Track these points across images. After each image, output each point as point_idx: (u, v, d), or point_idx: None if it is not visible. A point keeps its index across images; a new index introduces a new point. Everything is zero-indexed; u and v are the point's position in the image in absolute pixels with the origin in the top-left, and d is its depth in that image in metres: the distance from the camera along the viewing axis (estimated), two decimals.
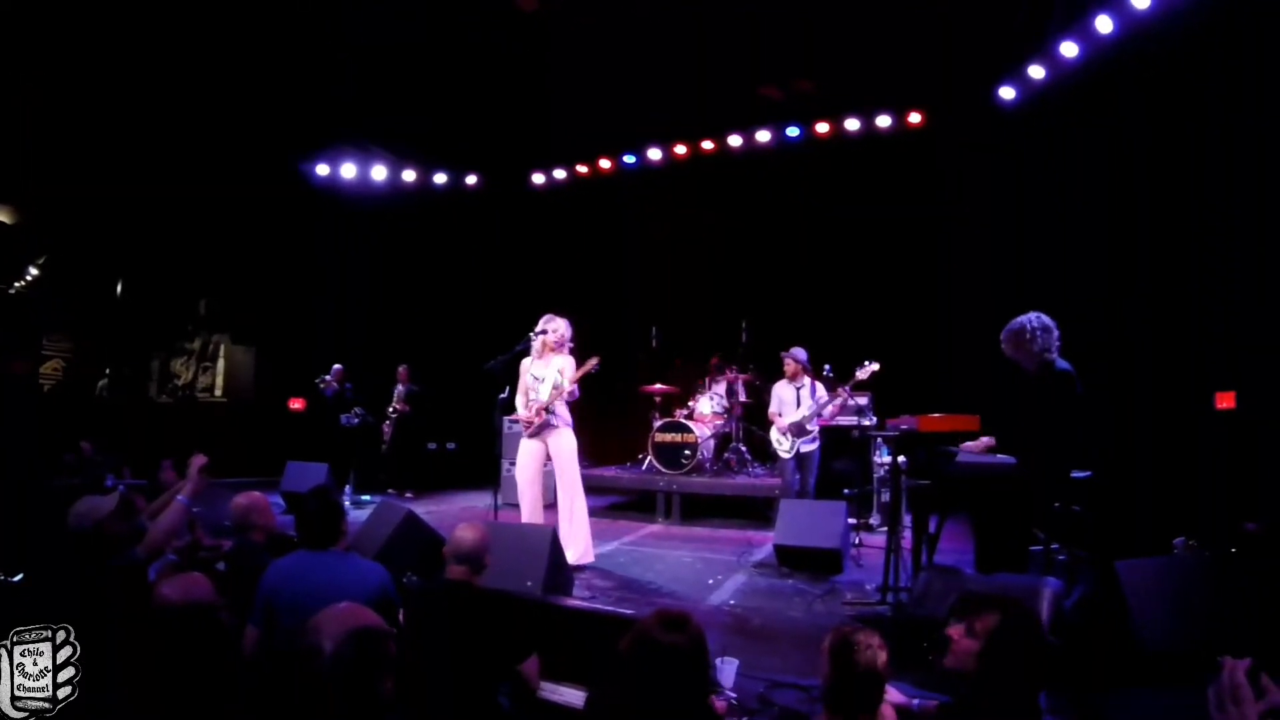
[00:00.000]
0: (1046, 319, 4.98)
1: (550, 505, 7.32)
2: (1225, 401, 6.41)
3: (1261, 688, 1.47)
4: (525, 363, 7.11)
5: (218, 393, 14.73)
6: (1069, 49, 8.39)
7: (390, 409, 11.50)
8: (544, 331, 6.99)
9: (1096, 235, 8.20)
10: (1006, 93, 9.58)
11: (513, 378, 7.14)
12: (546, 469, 7.16)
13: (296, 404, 12.15)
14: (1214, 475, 6.42)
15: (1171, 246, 7.27)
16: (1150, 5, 7.30)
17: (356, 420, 11.05)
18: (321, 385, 11.20)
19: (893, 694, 2.91)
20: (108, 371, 15.02)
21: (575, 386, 6.90)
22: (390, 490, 11.19)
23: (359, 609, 2.28)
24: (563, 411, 7.00)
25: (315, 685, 2.09)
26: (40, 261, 14.90)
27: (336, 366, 11.39)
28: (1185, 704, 2.87)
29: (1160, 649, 3.69)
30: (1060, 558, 5.42)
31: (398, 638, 3.57)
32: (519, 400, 7.09)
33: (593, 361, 6.94)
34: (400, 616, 3.66)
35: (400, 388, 11.61)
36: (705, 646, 2.41)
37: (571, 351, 7.09)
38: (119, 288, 14.37)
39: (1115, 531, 6.22)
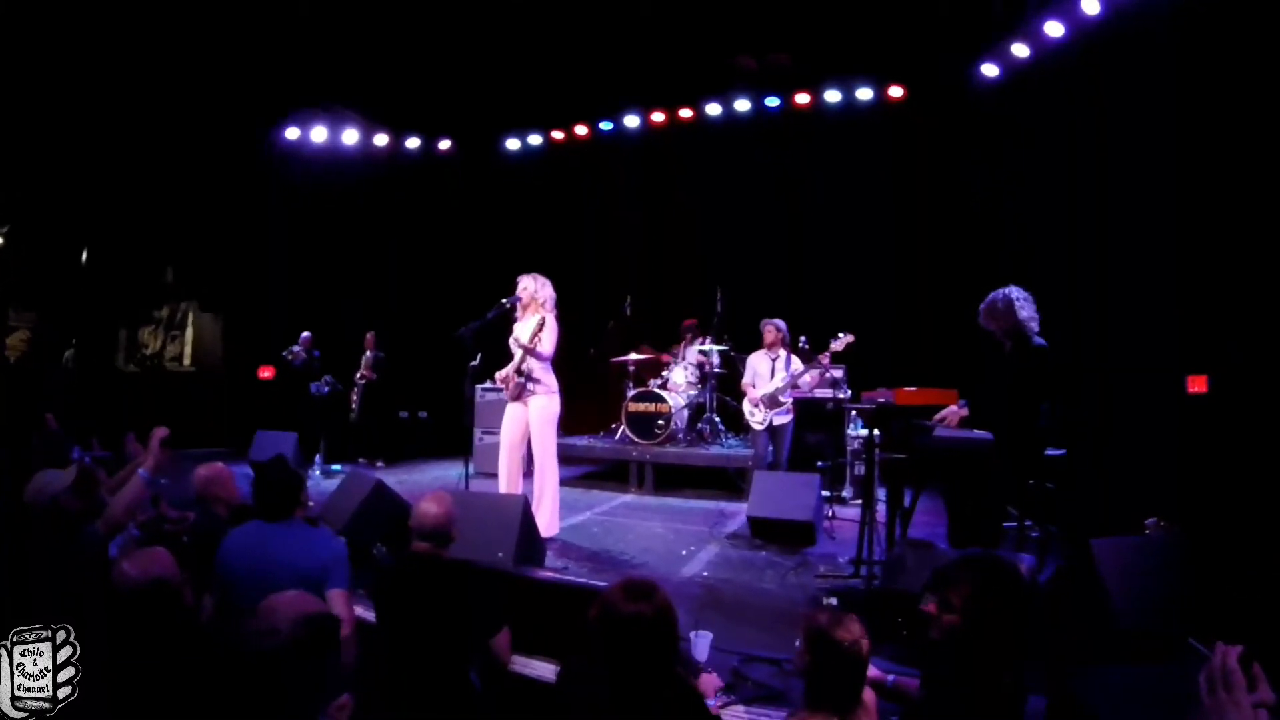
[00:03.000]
0: (1017, 291, 5.02)
1: (530, 474, 7.09)
2: (1197, 385, 6.46)
3: (1253, 676, 1.45)
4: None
5: (186, 362, 14.52)
6: (1053, 28, 8.32)
7: (358, 375, 11.36)
8: (518, 298, 6.87)
9: (1075, 214, 8.20)
10: (989, 70, 9.53)
11: (484, 345, 7.01)
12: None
13: (266, 373, 11.99)
14: (1187, 456, 6.47)
15: (1154, 231, 7.26)
16: None
17: (326, 389, 10.92)
18: (289, 356, 11.04)
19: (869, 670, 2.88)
20: (74, 342, 14.74)
21: (543, 345, 6.68)
22: (361, 460, 11.10)
23: (307, 596, 2.36)
24: (543, 376, 6.80)
25: (268, 665, 2.15)
26: (3, 231, 14.51)
27: (305, 334, 11.23)
28: (1154, 680, 2.89)
29: (1132, 626, 3.71)
30: (1033, 534, 5.45)
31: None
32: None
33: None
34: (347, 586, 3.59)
35: (368, 354, 11.46)
36: (673, 615, 2.38)
37: (557, 317, 6.91)
38: (84, 256, 14.03)
39: (1088, 509, 6.27)
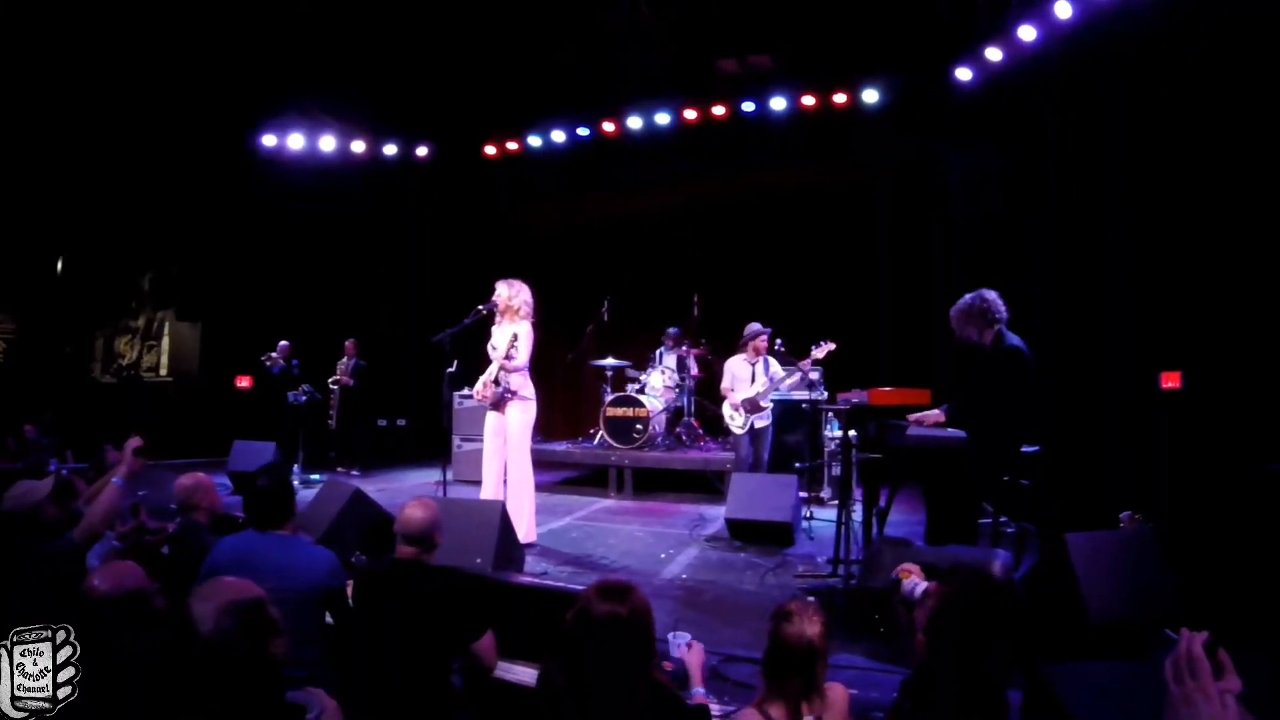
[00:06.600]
0: (988, 293, 5.03)
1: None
2: (1171, 381, 6.54)
3: (1219, 663, 1.46)
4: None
5: (163, 371, 14.40)
6: (1027, 33, 8.37)
7: (332, 380, 11.32)
8: (494, 304, 6.88)
9: (1050, 217, 8.28)
10: (963, 74, 9.57)
11: (462, 350, 7.01)
12: None
13: (243, 382, 11.92)
14: (1160, 452, 6.54)
15: (1126, 230, 7.35)
16: None
17: (304, 398, 10.86)
18: (268, 363, 11.00)
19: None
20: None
21: (519, 357, 6.70)
22: (340, 468, 11.04)
23: (236, 582, 2.31)
24: (519, 384, 6.81)
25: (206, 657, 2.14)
26: None
27: (283, 343, 11.18)
28: (1129, 674, 2.92)
29: (1105, 620, 3.76)
30: (1008, 530, 5.51)
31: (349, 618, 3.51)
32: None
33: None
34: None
35: (346, 361, 11.42)
36: (649, 615, 2.37)
37: (534, 323, 6.94)
38: (59, 265, 13.88)
39: (1063, 505, 6.33)
